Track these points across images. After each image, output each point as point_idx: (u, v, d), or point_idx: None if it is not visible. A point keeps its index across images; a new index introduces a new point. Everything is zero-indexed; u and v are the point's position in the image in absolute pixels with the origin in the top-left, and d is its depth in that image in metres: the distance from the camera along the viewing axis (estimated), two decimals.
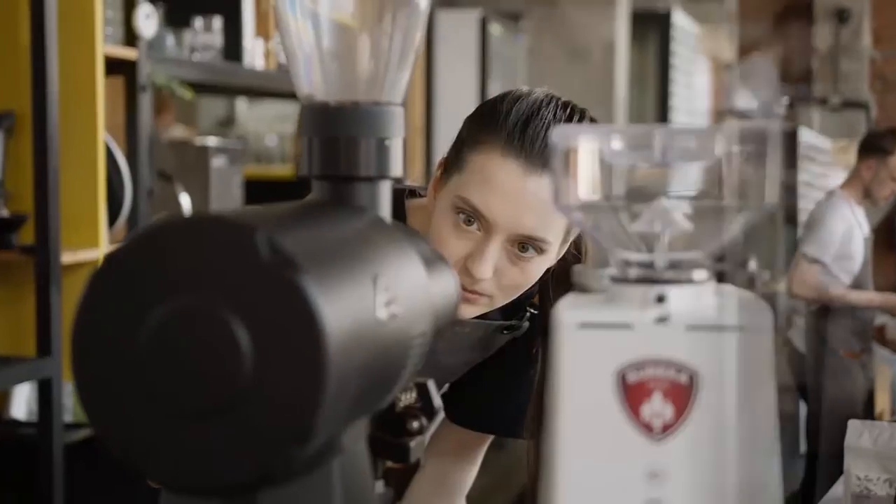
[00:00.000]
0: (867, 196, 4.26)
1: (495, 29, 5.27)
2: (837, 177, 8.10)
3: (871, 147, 4.25)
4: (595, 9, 5.58)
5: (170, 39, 2.83)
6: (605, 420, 0.66)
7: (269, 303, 0.58)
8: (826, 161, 7.78)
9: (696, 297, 0.67)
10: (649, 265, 0.68)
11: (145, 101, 2.58)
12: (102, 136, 2.41)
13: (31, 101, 2.29)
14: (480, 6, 5.18)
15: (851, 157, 8.41)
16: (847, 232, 4.17)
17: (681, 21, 7.54)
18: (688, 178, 0.72)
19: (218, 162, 3.03)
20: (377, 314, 0.65)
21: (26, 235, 2.34)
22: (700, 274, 0.68)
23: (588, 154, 0.68)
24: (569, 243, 1.31)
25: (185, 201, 2.82)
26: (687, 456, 0.65)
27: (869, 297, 4.25)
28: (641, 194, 0.70)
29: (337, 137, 0.76)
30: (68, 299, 2.29)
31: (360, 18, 0.79)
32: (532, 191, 1.21)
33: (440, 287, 0.80)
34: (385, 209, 0.77)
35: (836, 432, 4.38)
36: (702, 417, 0.65)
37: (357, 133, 0.76)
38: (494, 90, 6.11)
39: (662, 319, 0.65)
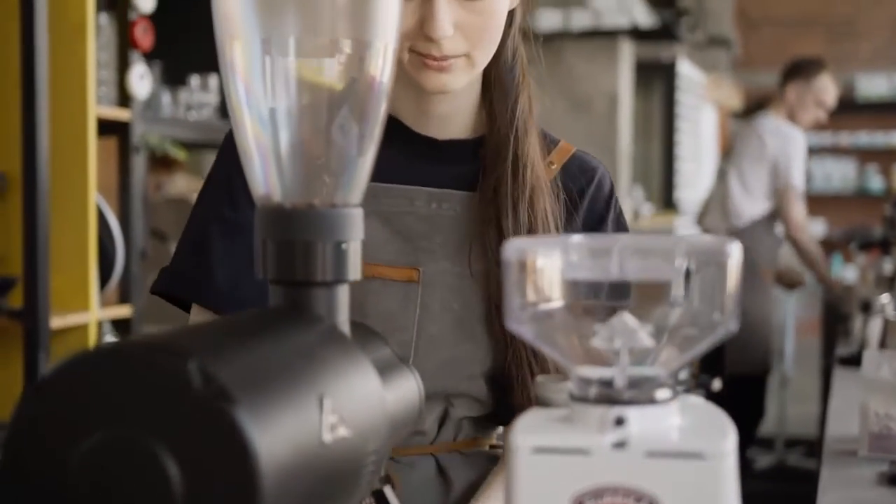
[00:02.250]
0: (791, 121, 4.40)
1: None
2: (708, 111, 8.11)
3: (796, 72, 4.42)
4: (598, 61, 5.58)
5: (166, 97, 2.82)
6: None
7: (201, 435, 0.56)
8: (700, 94, 7.82)
9: (659, 419, 0.64)
10: (609, 383, 0.65)
11: (139, 162, 2.57)
12: (94, 197, 2.39)
13: (21, 163, 2.28)
14: None
15: (723, 92, 8.42)
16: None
17: (686, 70, 7.54)
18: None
19: None
20: (323, 438, 0.62)
21: (15, 299, 2.31)
22: (663, 393, 0.65)
23: (544, 267, 0.65)
24: None
25: None
26: None
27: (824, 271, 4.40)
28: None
29: (292, 241, 0.73)
30: None
31: (315, 111, 0.76)
32: None
33: (398, 395, 0.77)
34: (342, 314, 0.75)
35: (747, 351, 4.41)
36: None
37: (313, 237, 0.73)
38: None
39: (621, 444, 0.62)
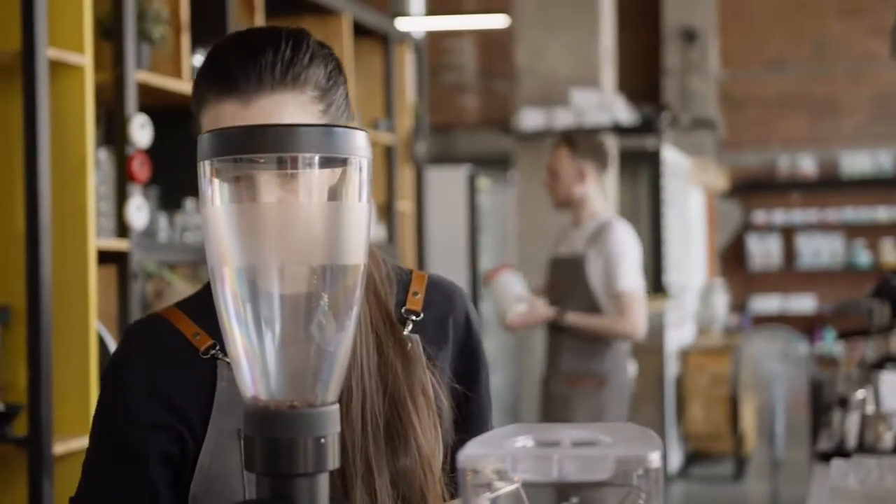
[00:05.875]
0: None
1: (483, 183, 5.41)
2: (695, 193, 8.22)
3: None
4: None
5: (163, 222, 2.94)
6: None
7: None
8: (686, 178, 7.91)
9: None
10: None
11: (136, 289, 2.68)
12: (95, 326, 2.50)
13: (25, 296, 2.39)
14: (470, 161, 5.33)
15: (709, 174, 8.50)
16: None
17: (671, 156, 7.70)
18: None
19: None
20: None
21: (20, 426, 2.41)
22: None
23: (494, 471, 0.76)
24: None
25: None
26: None
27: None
28: None
29: (277, 439, 0.84)
30: (60, 490, 2.35)
31: (295, 323, 0.87)
32: (266, 109, 1.17)
33: None
34: (323, 500, 0.85)
35: None
36: None
37: (296, 434, 0.84)
38: (486, 240, 6.28)
39: None
